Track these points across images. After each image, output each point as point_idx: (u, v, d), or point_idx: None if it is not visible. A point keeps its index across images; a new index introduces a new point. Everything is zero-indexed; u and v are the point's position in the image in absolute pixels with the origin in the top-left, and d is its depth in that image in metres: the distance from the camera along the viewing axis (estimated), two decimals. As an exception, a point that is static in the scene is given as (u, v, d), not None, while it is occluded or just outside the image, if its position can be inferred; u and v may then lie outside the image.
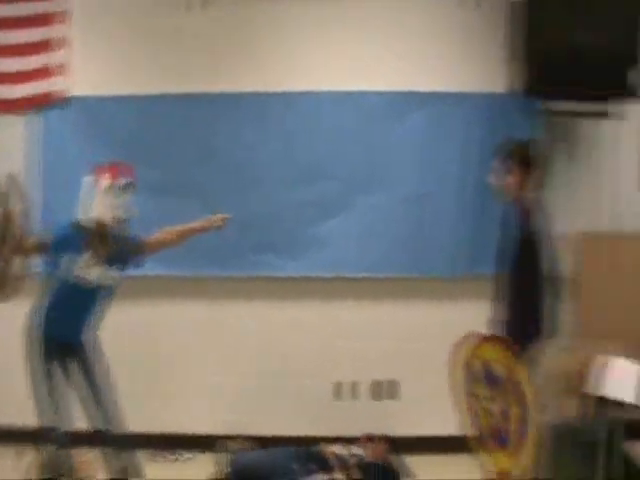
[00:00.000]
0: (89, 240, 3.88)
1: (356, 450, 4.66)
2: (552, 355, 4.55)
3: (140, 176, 4.82)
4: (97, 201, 3.86)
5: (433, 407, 5.08)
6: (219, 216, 4.18)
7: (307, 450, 4.63)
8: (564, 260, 4.95)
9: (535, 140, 3.90)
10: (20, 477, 4.28)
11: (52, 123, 5.04)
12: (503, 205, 3.90)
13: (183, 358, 5.20)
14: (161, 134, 5.01)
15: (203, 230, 4.21)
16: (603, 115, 4.72)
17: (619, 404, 3.48)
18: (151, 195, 4.88)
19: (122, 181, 3.93)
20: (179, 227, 4.20)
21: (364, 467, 4.47)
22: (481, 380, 3.58)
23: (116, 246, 3.97)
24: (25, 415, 4.97)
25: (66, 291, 3.94)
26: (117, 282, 4.06)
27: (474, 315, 4.75)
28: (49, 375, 4.02)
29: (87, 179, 3.87)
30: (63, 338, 4.00)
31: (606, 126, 4.91)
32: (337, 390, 5.18)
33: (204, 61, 5.05)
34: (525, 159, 3.75)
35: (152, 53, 5.08)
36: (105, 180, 3.89)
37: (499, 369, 3.49)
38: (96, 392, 4.13)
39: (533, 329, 3.57)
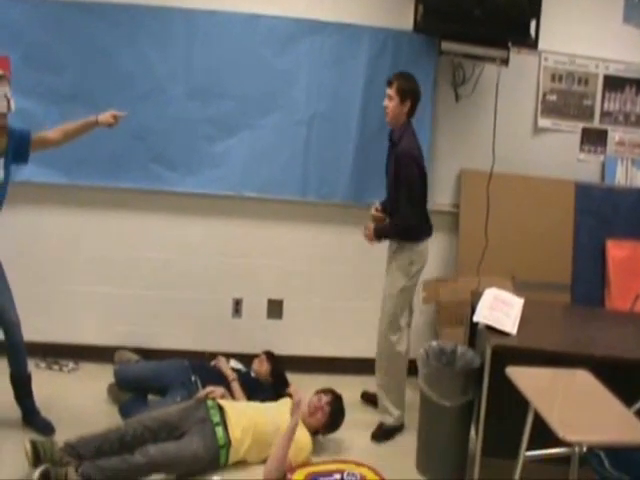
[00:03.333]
0: None
1: (242, 366, 4.81)
2: (441, 287, 4.89)
3: (40, 81, 4.69)
4: None
5: (315, 327, 5.37)
6: (111, 113, 4.11)
7: (203, 363, 4.73)
8: (446, 196, 5.33)
9: (410, 74, 4.35)
10: None
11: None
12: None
13: (72, 268, 5.15)
14: (61, 40, 4.80)
15: (94, 125, 4.11)
16: (503, 61, 4.92)
17: (502, 333, 3.75)
18: (51, 100, 4.80)
19: (3, 72, 3.88)
20: (70, 124, 4.10)
21: (252, 382, 4.61)
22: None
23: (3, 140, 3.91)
24: None
25: None
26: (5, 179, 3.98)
27: (361, 241, 5.02)
28: None
29: None
30: None
31: (491, 70, 5.10)
32: (235, 307, 5.30)
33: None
34: (401, 88, 4.27)
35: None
36: None
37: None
38: None
39: (398, 227, 4.39)
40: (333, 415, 4.22)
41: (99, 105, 4.76)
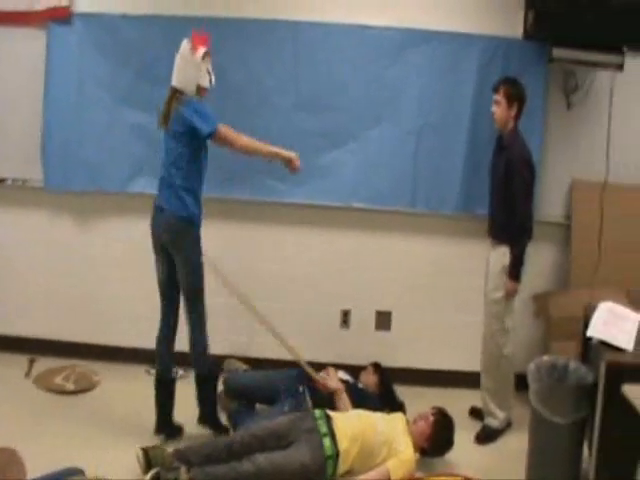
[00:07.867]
0: None
1: (350, 377, 4.80)
2: (552, 300, 4.78)
3: (154, 95, 4.81)
4: (197, 68, 4.06)
5: (422, 340, 5.32)
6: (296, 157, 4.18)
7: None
8: (557, 207, 5.19)
9: (516, 79, 4.47)
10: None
11: (57, 38, 5.02)
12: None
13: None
14: (167, 53, 4.92)
15: (284, 159, 4.21)
16: (617, 67, 4.76)
17: (618, 349, 3.62)
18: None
19: (207, 49, 4.10)
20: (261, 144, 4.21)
21: (359, 393, 4.58)
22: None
23: None
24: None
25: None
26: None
27: (470, 253, 4.94)
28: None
29: (184, 47, 4.04)
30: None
31: (604, 76, 4.96)
32: (343, 318, 5.32)
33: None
34: (507, 93, 4.40)
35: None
36: (202, 48, 4.07)
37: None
38: None
39: (515, 229, 4.39)
40: (437, 425, 4.14)
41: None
